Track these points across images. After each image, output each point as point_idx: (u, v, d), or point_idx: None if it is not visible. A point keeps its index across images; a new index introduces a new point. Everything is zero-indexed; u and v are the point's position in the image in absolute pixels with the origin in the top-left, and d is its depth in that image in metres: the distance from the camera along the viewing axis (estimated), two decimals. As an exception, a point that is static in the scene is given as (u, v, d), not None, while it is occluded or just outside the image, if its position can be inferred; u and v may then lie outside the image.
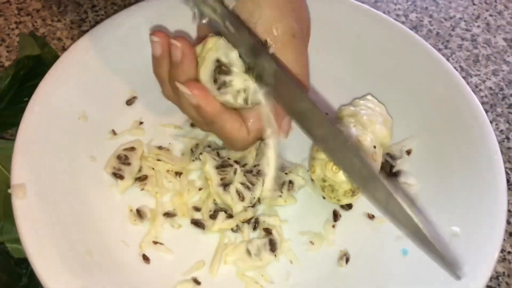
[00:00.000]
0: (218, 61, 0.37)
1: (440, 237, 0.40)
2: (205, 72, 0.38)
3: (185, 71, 0.38)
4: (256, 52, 0.37)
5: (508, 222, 0.46)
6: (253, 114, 0.40)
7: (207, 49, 0.38)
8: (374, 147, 0.41)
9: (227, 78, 0.37)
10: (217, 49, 0.38)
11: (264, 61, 0.36)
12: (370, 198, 0.35)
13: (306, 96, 0.36)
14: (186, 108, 0.39)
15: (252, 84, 0.38)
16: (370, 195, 0.35)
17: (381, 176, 0.34)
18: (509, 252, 0.44)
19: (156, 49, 0.38)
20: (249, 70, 0.38)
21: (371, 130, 0.42)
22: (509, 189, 0.48)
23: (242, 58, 0.38)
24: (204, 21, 0.39)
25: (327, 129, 0.36)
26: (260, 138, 0.42)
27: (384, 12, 0.60)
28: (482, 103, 0.53)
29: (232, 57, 0.37)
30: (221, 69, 0.37)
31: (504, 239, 0.44)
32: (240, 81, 0.37)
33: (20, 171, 0.39)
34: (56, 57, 0.53)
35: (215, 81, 0.38)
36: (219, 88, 0.38)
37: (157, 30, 0.39)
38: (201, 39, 0.39)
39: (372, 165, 0.39)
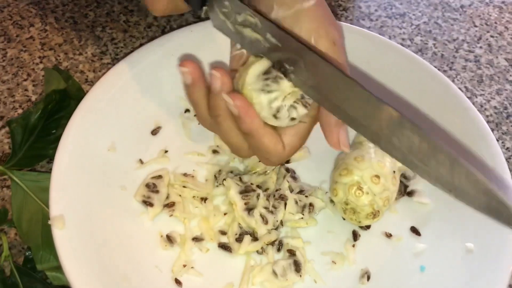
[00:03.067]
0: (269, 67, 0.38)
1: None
2: (254, 72, 0.38)
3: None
4: (300, 55, 0.37)
5: (518, 237, 0.48)
6: (290, 130, 0.40)
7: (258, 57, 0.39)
8: (394, 171, 0.43)
9: (278, 75, 0.38)
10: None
11: (310, 61, 0.36)
12: (432, 177, 0.34)
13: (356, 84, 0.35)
14: (223, 130, 0.40)
15: (297, 98, 0.38)
16: (433, 173, 0.33)
17: (444, 144, 0.32)
18: (520, 265, 0.47)
19: (186, 78, 0.40)
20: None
21: (389, 155, 0.44)
22: (517, 204, 0.50)
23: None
24: (238, 47, 0.41)
25: (376, 110, 0.34)
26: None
27: (390, 37, 0.63)
28: (488, 122, 0.56)
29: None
30: (271, 70, 0.38)
31: (515, 253, 0.47)
32: (288, 84, 0.38)
33: (58, 203, 0.41)
34: (79, 90, 0.56)
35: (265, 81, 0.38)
36: (266, 86, 0.38)
37: (185, 60, 0.40)
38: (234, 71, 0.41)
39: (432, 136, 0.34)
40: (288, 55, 0.37)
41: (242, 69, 0.40)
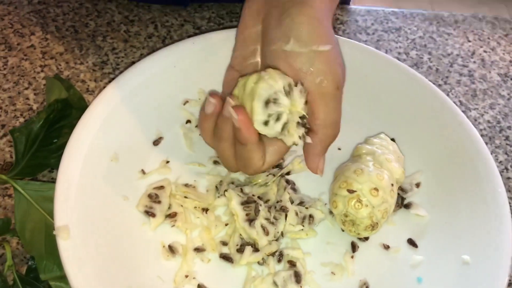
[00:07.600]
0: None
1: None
2: (274, 81, 0.41)
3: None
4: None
5: None
6: (272, 149, 0.44)
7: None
8: (392, 184, 0.44)
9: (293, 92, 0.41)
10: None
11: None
12: None
13: None
14: (221, 148, 0.44)
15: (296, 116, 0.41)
16: None
17: None
18: (514, 277, 0.48)
19: (210, 108, 0.43)
20: None
21: (388, 168, 0.45)
22: (511, 217, 0.51)
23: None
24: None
25: None
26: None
27: (386, 50, 0.64)
28: (482, 136, 0.57)
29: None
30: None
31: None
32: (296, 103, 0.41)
33: (62, 213, 0.42)
34: (81, 99, 0.57)
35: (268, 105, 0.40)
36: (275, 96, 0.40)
37: (215, 93, 0.43)
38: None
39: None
40: None
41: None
